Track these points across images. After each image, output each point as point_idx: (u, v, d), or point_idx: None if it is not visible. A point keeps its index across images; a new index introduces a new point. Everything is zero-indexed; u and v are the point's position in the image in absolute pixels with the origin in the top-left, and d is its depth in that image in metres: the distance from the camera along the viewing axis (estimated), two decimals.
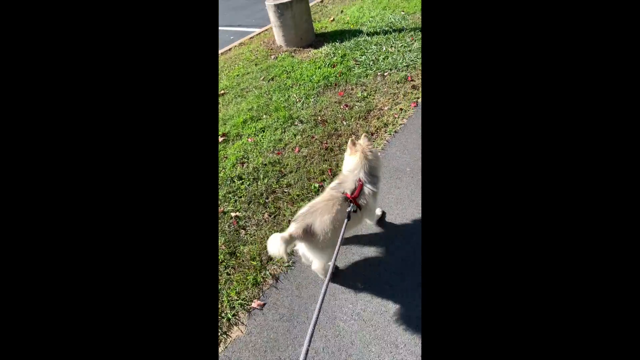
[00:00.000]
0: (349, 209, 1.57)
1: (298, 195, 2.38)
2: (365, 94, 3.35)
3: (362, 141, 1.76)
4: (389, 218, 2.14)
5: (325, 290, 1.12)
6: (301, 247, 1.68)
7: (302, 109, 3.33)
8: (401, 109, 3.06)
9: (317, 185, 2.42)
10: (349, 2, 6.08)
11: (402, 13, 5.00)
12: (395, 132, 2.85)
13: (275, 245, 1.53)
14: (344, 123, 3.02)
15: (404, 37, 4.27)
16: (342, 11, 5.66)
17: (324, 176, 2.50)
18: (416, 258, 1.88)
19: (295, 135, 2.99)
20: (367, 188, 1.68)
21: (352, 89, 3.49)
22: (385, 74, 3.62)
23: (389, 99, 3.23)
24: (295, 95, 3.57)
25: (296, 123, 3.16)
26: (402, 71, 3.61)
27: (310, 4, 6.23)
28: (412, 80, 3.45)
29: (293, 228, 1.56)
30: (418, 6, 5.09)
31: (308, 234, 1.54)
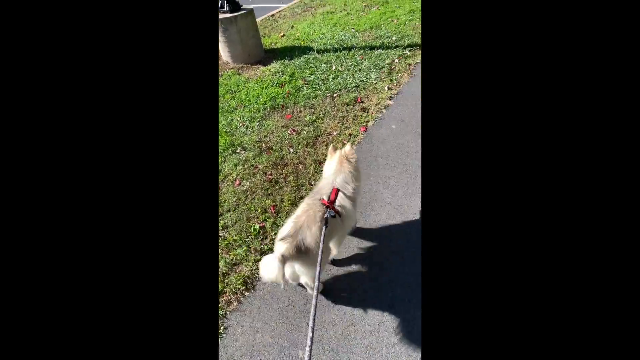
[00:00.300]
0: (325, 215, 1.47)
1: (235, 241, 2.05)
2: (313, 117, 3.11)
3: (347, 148, 1.70)
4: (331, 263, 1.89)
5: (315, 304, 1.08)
6: (294, 266, 1.51)
7: (246, 134, 3.02)
8: (350, 134, 2.86)
9: (257, 226, 2.12)
10: (300, 17, 5.87)
11: (353, 30, 4.87)
12: None
13: (271, 269, 1.37)
14: (291, 150, 2.75)
15: (354, 55, 4.12)
16: (292, 26, 5.43)
17: (267, 214, 2.20)
18: (362, 317, 1.64)
19: (236, 166, 2.66)
20: (343, 193, 1.59)
21: (301, 112, 3.24)
22: (335, 95, 3.42)
23: (337, 122, 3.02)
24: (239, 119, 3.24)
25: (238, 150, 2.83)
26: (352, 92, 3.43)
27: (261, 18, 5.96)
28: (361, 102, 3.27)
29: (284, 248, 1.40)
30: (368, 24, 5.01)
31: (302, 252, 1.41)
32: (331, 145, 1.72)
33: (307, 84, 3.66)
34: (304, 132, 2.94)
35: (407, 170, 2.43)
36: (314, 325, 1.00)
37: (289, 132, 2.97)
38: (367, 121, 3.01)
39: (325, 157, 2.69)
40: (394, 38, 4.45)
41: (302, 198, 2.30)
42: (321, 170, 2.52)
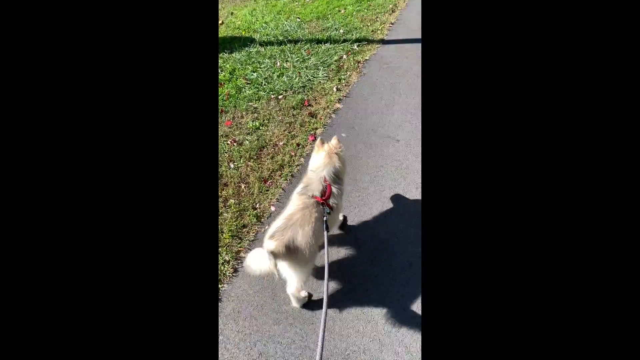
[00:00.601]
0: (325, 218, 1.44)
1: None
2: (257, 124, 2.74)
3: (333, 142, 1.67)
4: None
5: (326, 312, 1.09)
6: (281, 266, 1.44)
7: None
8: (298, 144, 2.56)
9: None
10: (240, 2, 5.26)
11: (298, 20, 4.46)
12: (291, 175, 2.33)
13: (259, 261, 1.34)
14: (231, 166, 2.39)
15: (299, 50, 3.75)
16: (232, 13, 4.83)
17: None
18: None
19: None
20: (335, 188, 1.57)
21: (242, 117, 2.84)
22: (280, 96, 3.06)
23: (284, 130, 2.70)
24: None
25: None
26: (298, 93, 3.10)
27: None
28: (309, 105, 2.97)
29: (273, 245, 1.32)
30: (314, 13, 4.62)
31: (291, 251, 1.34)
32: (319, 138, 1.70)
33: (249, 84, 3.24)
34: (247, 142, 2.58)
35: (357, 188, 2.22)
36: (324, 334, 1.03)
37: (229, 142, 2.58)
38: (316, 128, 2.73)
39: (273, 171, 2.39)
40: (341, 31, 4.14)
41: (245, 226, 1.99)
42: (266, 190, 2.22)
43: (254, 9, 4.88)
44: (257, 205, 2.11)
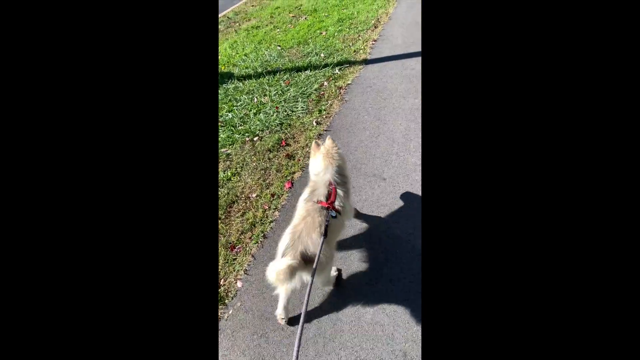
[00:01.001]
0: (327, 222, 1.33)
1: None
2: (229, 174, 2.39)
3: (327, 142, 1.56)
4: None
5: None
6: (302, 277, 1.31)
7: None
8: (273, 195, 2.18)
9: None
10: (222, 35, 5.01)
11: (279, 48, 4.14)
12: (264, 236, 1.95)
13: (280, 274, 1.17)
14: None
15: (278, 81, 3.41)
16: None
17: None
18: None
19: None
20: (340, 190, 1.46)
21: None
22: (255, 138, 2.71)
23: (258, 178, 2.33)
24: None
25: None
26: (276, 132, 2.74)
27: None
28: (286, 144, 2.60)
29: (289, 261, 1.20)
30: (295, 38, 4.30)
31: (308, 261, 1.26)
32: (314, 141, 1.58)
33: (223, 126, 2.91)
34: None
35: (339, 243, 1.82)
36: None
37: None
38: (293, 172, 2.35)
39: (242, 232, 2.01)
40: (322, 55, 3.78)
41: None
42: (233, 259, 1.84)
43: (235, 41, 4.61)
44: (222, 282, 1.73)
